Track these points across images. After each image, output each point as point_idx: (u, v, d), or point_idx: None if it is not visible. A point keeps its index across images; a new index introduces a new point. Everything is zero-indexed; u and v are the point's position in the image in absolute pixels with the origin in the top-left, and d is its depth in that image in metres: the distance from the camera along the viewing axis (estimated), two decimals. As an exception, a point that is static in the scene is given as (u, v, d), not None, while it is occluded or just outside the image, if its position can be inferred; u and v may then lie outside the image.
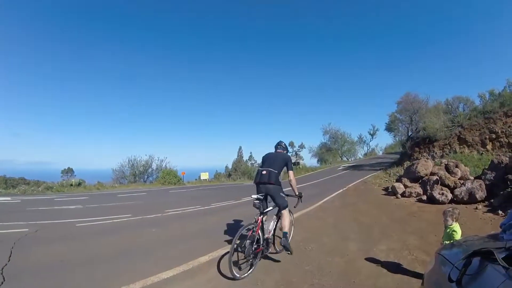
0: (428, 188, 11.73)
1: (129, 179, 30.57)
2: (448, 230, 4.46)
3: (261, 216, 5.04)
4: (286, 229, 5.22)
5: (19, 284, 4.40)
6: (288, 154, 6.02)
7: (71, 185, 22.96)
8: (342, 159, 50.08)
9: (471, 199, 10.18)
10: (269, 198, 5.44)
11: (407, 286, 4.32)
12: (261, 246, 5.03)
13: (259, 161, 59.85)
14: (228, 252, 4.85)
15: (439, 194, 10.90)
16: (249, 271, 4.78)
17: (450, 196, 10.72)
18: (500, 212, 8.59)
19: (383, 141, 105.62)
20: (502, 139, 18.08)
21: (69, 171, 54.69)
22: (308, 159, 52.00)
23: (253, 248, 4.80)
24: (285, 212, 5.33)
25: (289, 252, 5.25)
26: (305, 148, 58.33)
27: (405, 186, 13.16)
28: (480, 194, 10.16)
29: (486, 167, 11.81)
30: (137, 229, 8.23)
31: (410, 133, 30.32)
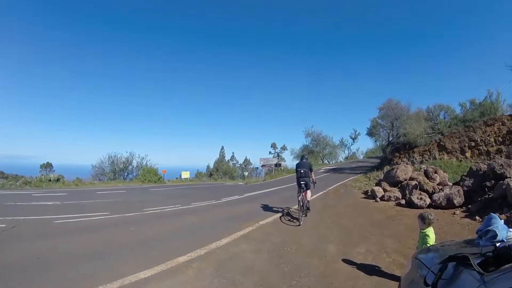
0: (407, 193, 11.91)
1: (108, 176, 30.04)
2: (421, 234, 4.53)
3: (304, 192, 9.21)
4: (309, 198, 9.73)
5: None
6: (310, 162, 10.48)
7: (50, 180, 22.39)
8: (323, 161, 50.35)
9: (449, 204, 10.39)
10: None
11: (384, 288, 4.37)
12: (305, 207, 9.42)
13: (241, 161, 60.59)
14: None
15: (417, 198, 11.08)
16: (302, 221, 8.68)
17: (428, 201, 10.91)
18: (477, 217, 8.78)
19: (364, 145, 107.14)
20: (481, 147, 18.57)
21: (48, 166, 53.28)
22: (290, 161, 51.92)
23: (303, 207, 9.17)
24: (308, 191, 9.55)
25: (309, 211, 9.82)
26: (287, 150, 58.40)
27: (385, 190, 13.32)
28: (458, 199, 10.38)
29: (465, 174, 12.09)
30: (115, 227, 8.05)
31: (391, 139, 30.80)
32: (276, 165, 33.30)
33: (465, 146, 19.31)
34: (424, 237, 4.41)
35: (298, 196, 9.14)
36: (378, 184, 14.82)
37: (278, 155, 57.03)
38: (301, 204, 9.00)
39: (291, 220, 9.26)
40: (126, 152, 32.74)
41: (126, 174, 31.55)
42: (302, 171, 9.53)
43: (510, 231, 2.31)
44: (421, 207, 10.64)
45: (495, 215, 2.43)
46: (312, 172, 9.78)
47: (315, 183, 10.00)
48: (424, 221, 4.47)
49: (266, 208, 11.29)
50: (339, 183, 19.20)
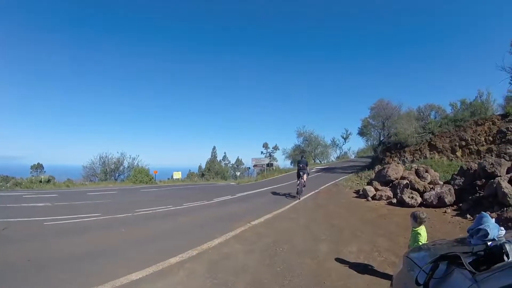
0: (398, 192, 11.99)
1: (99, 177, 29.72)
2: (413, 232, 4.55)
3: (301, 179, 13.57)
4: (305, 179, 13.86)
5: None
6: (307, 160, 17.39)
7: (40, 181, 22.11)
8: (315, 161, 50.33)
9: (440, 203, 10.48)
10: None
11: (376, 287, 4.37)
12: (302, 189, 13.50)
13: (233, 161, 61.39)
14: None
15: (408, 197, 11.16)
16: (301, 198, 13.24)
17: (419, 199, 11.00)
18: (468, 216, 8.88)
19: (356, 145, 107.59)
20: (471, 146, 18.74)
21: (38, 167, 52.80)
22: (282, 161, 51.92)
23: (301, 189, 13.48)
24: (305, 176, 13.85)
25: (304, 187, 14.08)
26: (279, 149, 58.33)
27: (376, 189, 13.40)
28: (449, 198, 10.47)
29: (456, 173, 12.21)
30: (106, 229, 7.97)
31: (382, 138, 30.97)
32: (268, 165, 33.30)
33: (455, 145, 19.48)
34: (416, 235, 4.43)
35: (297, 182, 13.79)
36: (369, 183, 14.93)
37: (270, 155, 57.03)
38: (299, 187, 13.42)
39: (293, 198, 13.50)
40: (117, 152, 32.40)
41: (117, 174, 31.26)
42: (301, 166, 14.29)
43: (501, 230, 2.31)
44: (412, 206, 10.70)
45: (486, 214, 2.43)
46: (308, 167, 15.00)
47: (309, 174, 15.60)
48: (416, 219, 4.49)
49: (258, 208, 11.29)
50: (330, 183, 19.24)
